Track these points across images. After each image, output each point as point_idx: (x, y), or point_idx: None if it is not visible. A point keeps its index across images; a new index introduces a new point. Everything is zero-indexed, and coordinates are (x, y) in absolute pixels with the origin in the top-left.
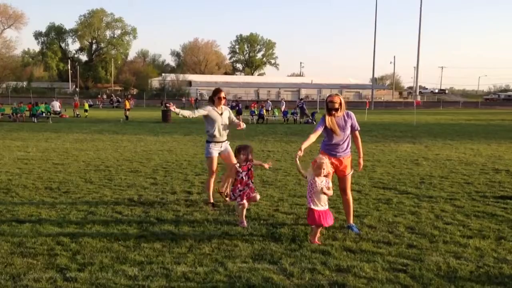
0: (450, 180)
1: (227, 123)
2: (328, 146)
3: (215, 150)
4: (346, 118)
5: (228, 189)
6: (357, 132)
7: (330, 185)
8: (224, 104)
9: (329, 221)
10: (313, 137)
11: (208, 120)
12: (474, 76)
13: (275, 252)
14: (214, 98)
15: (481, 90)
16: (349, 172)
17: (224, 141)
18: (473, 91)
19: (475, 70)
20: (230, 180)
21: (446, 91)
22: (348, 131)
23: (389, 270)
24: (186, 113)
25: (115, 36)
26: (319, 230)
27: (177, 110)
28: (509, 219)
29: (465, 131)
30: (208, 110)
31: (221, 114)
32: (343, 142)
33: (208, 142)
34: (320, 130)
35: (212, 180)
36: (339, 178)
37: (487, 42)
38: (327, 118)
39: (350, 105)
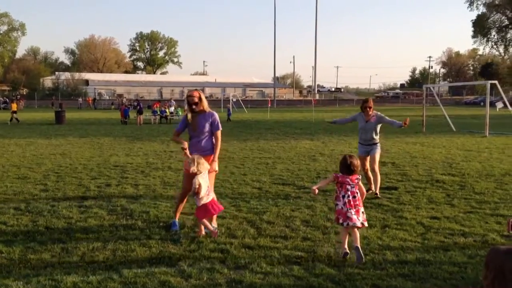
0: None
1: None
2: (191, 142)
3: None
4: (207, 117)
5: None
6: (218, 133)
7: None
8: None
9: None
10: (175, 138)
11: None
12: (366, 75)
13: (173, 254)
14: None
15: (372, 88)
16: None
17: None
18: (366, 89)
19: (367, 69)
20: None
21: (342, 90)
22: (206, 129)
23: (285, 263)
24: None
25: (1, 32)
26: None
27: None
28: (393, 208)
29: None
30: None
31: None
32: (201, 141)
33: None
34: (181, 130)
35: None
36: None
37: (378, 43)
38: (188, 114)
39: (254, 103)
